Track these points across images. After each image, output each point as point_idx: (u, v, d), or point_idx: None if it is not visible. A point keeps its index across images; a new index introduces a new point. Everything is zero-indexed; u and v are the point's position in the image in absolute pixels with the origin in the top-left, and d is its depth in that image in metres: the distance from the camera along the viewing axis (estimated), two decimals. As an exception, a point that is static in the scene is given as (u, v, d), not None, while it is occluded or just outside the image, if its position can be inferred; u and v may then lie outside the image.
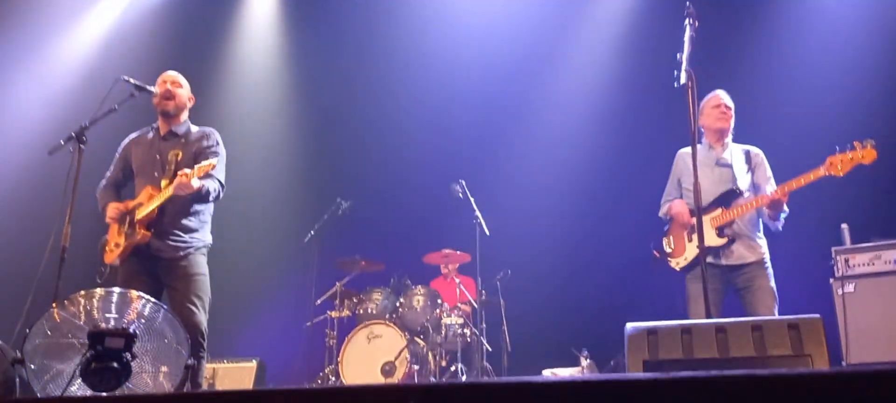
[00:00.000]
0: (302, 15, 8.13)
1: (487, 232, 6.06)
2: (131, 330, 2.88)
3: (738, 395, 1.16)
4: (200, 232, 4.06)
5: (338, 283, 6.44)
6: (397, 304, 6.16)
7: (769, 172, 4.23)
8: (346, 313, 6.32)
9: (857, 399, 1.13)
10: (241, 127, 7.50)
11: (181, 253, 3.94)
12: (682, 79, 3.43)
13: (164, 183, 3.91)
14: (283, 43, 8.18)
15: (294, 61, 8.14)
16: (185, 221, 3.98)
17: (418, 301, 6.10)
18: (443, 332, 6.00)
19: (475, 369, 5.96)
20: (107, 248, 4.00)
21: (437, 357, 6.10)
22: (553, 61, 7.56)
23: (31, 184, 6.31)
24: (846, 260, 4.91)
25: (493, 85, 7.48)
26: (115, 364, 2.79)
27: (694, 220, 4.14)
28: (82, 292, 3.14)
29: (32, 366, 2.95)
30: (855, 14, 6.35)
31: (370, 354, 5.70)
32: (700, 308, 3.98)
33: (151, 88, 4.08)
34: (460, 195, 6.20)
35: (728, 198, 4.08)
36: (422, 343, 5.93)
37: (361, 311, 6.17)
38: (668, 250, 4.29)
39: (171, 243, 3.93)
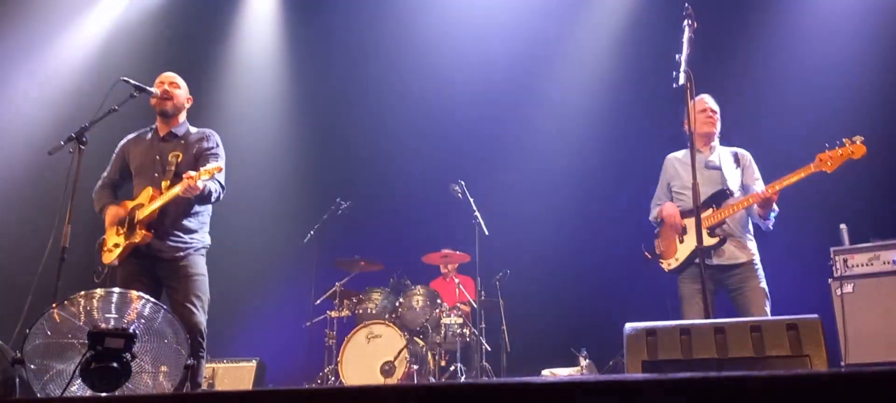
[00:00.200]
0: (302, 15, 8.13)
1: (487, 233, 6.06)
2: (131, 331, 2.88)
3: (736, 396, 1.16)
4: (200, 233, 4.07)
5: (337, 283, 6.45)
6: (397, 304, 6.17)
7: (757, 173, 4.26)
8: (345, 313, 6.32)
9: (856, 401, 1.14)
10: (240, 127, 7.51)
11: (181, 254, 3.95)
12: (681, 80, 3.45)
13: (164, 184, 3.92)
14: (282, 43, 8.18)
15: (294, 62, 8.14)
16: (185, 222, 3.99)
17: (417, 301, 6.11)
18: (442, 332, 6.00)
19: (474, 369, 5.96)
20: (104, 249, 3.99)
21: (437, 357, 6.11)
22: (552, 63, 7.57)
23: (31, 185, 6.31)
24: (845, 261, 4.91)
25: (493, 86, 7.48)
26: (115, 365, 2.79)
27: (685, 222, 4.17)
28: (82, 292, 3.14)
29: (32, 366, 2.96)
30: (850, 15, 6.35)
31: (369, 354, 5.70)
32: (693, 308, 4.00)
33: (151, 89, 4.09)
34: (459, 195, 6.20)
35: (719, 198, 4.10)
36: (421, 343, 5.93)
37: (361, 311, 6.17)
38: (659, 252, 4.31)
39: (170, 244, 3.93)
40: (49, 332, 3.01)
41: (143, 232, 3.84)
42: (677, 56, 3.49)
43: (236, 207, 6.43)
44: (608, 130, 7.05)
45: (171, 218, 3.94)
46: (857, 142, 3.74)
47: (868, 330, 4.69)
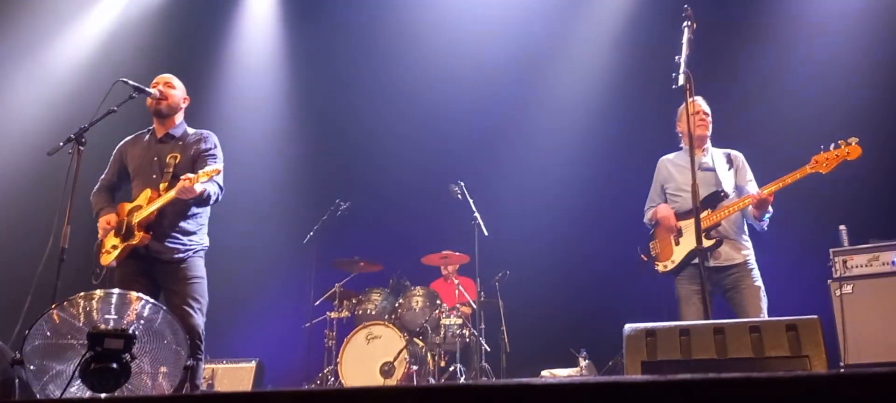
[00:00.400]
0: (300, 16, 8.13)
1: (486, 233, 6.06)
2: (130, 332, 2.88)
3: (736, 397, 1.16)
4: (198, 235, 4.06)
5: (337, 284, 6.44)
6: (396, 305, 6.17)
7: (750, 174, 4.28)
8: (344, 314, 6.32)
9: (856, 402, 1.14)
10: (240, 127, 7.51)
11: (179, 256, 3.94)
12: (681, 81, 3.45)
13: (162, 185, 3.91)
14: (281, 44, 8.18)
15: (293, 62, 8.14)
16: (183, 224, 3.98)
17: (417, 301, 6.11)
18: (441, 333, 6.00)
19: (474, 370, 5.96)
20: (103, 250, 3.99)
21: (436, 358, 6.11)
22: (551, 63, 7.57)
23: (31, 186, 6.31)
24: (844, 262, 4.92)
25: (492, 86, 7.48)
26: (115, 365, 2.79)
27: (680, 224, 4.17)
28: (81, 293, 3.14)
29: (32, 367, 2.96)
30: (846, 15, 6.36)
31: (369, 355, 5.70)
32: (690, 309, 4.01)
33: (150, 90, 4.08)
34: (459, 196, 6.20)
35: (714, 199, 4.11)
36: (420, 343, 5.93)
37: (360, 312, 6.17)
38: (654, 254, 4.32)
39: (169, 245, 3.93)
40: (48, 333, 3.01)
41: (141, 234, 3.84)
42: (677, 57, 3.50)
43: (236, 208, 6.43)
44: (608, 131, 7.05)
45: (169, 219, 3.94)
46: (853, 144, 3.77)
47: (867, 331, 4.70)
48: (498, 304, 6.35)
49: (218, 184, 4.04)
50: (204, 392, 4.38)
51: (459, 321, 6.02)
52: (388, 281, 6.56)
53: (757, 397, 1.17)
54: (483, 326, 6.16)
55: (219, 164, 3.91)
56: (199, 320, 3.86)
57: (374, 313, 6.13)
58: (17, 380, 3.03)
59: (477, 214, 6.09)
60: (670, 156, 4.45)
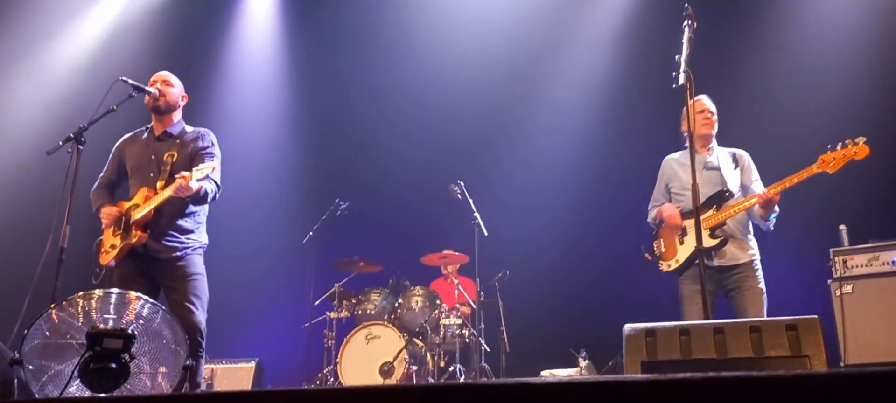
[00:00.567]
0: (300, 16, 8.13)
1: (486, 233, 6.06)
2: (130, 331, 2.87)
3: (736, 397, 1.16)
4: (196, 233, 4.05)
5: (336, 284, 6.44)
6: (396, 305, 6.17)
7: (756, 173, 4.26)
8: (344, 314, 6.32)
9: (856, 402, 1.14)
10: (239, 127, 7.50)
11: (178, 254, 3.93)
12: (681, 80, 3.45)
13: (159, 184, 3.90)
14: (281, 43, 8.18)
15: (292, 62, 8.14)
16: (181, 222, 3.98)
17: (417, 301, 6.10)
18: (441, 333, 6.00)
19: (473, 370, 5.96)
20: (102, 250, 3.99)
21: (436, 358, 6.11)
22: (551, 62, 7.57)
23: (30, 185, 6.31)
24: (844, 262, 4.91)
25: (492, 86, 7.48)
26: (114, 365, 2.78)
27: (685, 223, 4.16)
28: (80, 293, 3.14)
29: (31, 367, 2.95)
30: (850, 15, 6.36)
31: (369, 355, 5.70)
32: (693, 309, 3.99)
33: (149, 89, 4.08)
34: (459, 196, 6.20)
35: (719, 198, 4.10)
36: (420, 343, 5.93)
37: (360, 312, 6.17)
38: (658, 253, 4.31)
39: (167, 244, 3.92)
40: (47, 333, 3.01)
41: (139, 232, 3.83)
42: (677, 56, 3.49)
43: (235, 207, 6.42)
44: (607, 131, 7.05)
45: (167, 218, 3.93)
46: (860, 143, 3.74)
47: (867, 331, 4.70)
48: (497, 304, 6.34)
49: (215, 182, 4.03)
50: (203, 392, 4.37)
51: (459, 321, 6.02)
52: (387, 280, 6.56)
53: (757, 397, 1.16)
54: (483, 326, 6.16)
55: (213, 162, 3.89)
56: (200, 317, 3.86)
57: (373, 313, 6.12)
58: (15, 380, 3.03)
59: (477, 214, 6.09)
60: (675, 154, 4.44)
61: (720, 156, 4.26)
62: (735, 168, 4.25)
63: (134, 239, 3.82)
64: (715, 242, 4.03)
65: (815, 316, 2.50)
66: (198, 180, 3.76)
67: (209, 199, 4.03)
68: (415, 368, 5.70)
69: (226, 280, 5.94)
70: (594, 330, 6.26)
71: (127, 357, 2.82)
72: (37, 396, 2.96)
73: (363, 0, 7.92)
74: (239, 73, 8.03)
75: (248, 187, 7.26)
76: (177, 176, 3.73)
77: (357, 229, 7.18)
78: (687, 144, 4.28)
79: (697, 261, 3.94)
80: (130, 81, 4.02)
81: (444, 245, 6.49)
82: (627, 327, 2.64)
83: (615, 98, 7.08)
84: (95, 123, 3.88)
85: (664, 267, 4.25)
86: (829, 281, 4.96)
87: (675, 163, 4.40)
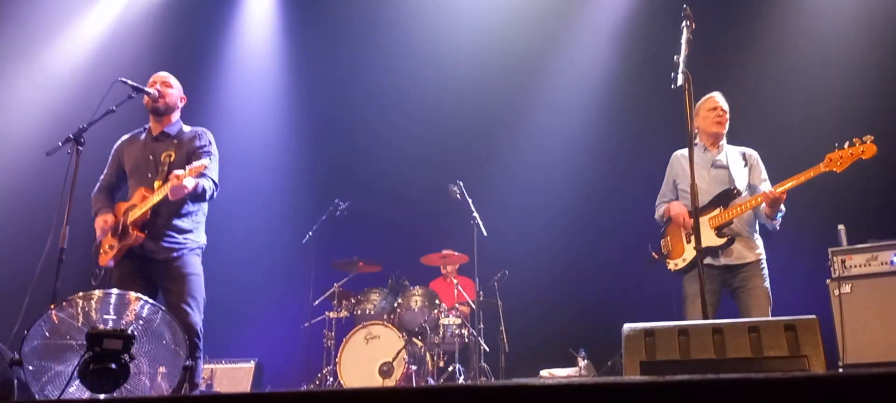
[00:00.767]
0: (300, 15, 8.13)
1: (485, 233, 6.06)
2: (129, 332, 2.88)
3: (734, 398, 1.16)
4: (194, 233, 4.05)
5: (336, 284, 6.44)
6: (395, 305, 6.17)
7: (764, 173, 4.24)
8: (343, 314, 6.32)
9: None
10: (239, 127, 7.50)
11: (175, 255, 3.93)
12: (680, 81, 3.45)
13: (157, 184, 3.90)
14: (280, 43, 8.18)
15: (292, 62, 8.14)
16: (178, 222, 3.97)
17: (416, 301, 6.11)
18: (440, 333, 6.00)
19: (472, 370, 5.96)
20: (101, 251, 3.99)
21: (435, 358, 6.11)
22: (550, 62, 7.57)
23: (29, 186, 6.30)
24: (843, 261, 4.91)
25: (491, 86, 7.48)
26: (113, 366, 2.79)
27: (693, 221, 4.15)
28: (80, 293, 3.14)
29: (30, 368, 2.96)
30: (852, 14, 6.36)
31: (368, 355, 5.70)
32: (696, 308, 3.98)
33: (149, 90, 4.08)
34: (458, 196, 6.20)
35: (726, 197, 4.08)
36: (419, 343, 5.93)
37: (359, 312, 6.17)
38: (666, 252, 4.29)
39: (164, 244, 3.92)
40: (47, 333, 3.01)
41: (136, 232, 3.84)
42: (676, 57, 3.49)
43: (235, 207, 6.42)
44: (606, 131, 7.06)
45: (164, 218, 3.93)
46: (868, 142, 3.69)
47: (866, 331, 4.70)
48: (497, 304, 6.35)
49: (212, 181, 4.03)
50: (203, 393, 4.38)
51: (458, 321, 6.02)
52: (387, 280, 6.56)
53: (755, 398, 1.17)
54: (482, 326, 6.16)
55: (207, 160, 3.88)
56: (197, 318, 3.85)
57: (372, 313, 6.13)
58: (15, 381, 3.03)
59: (476, 214, 6.09)
60: (684, 151, 4.41)
61: (730, 154, 4.25)
62: (744, 166, 4.24)
63: (131, 240, 3.83)
64: (721, 241, 4.02)
65: (814, 317, 2.50)
66: (192, 178, 3.76)
67: (207, 197, 4.03)
68: (414, 368, 5.70)
69: (225, 280, 5.95)
70: (593, 329, 6.27)
71: (127, 357, 2.83)
72: (37, 397, 2.96)
73: (362, 0, 7.92)
74: (238, 73, 8.04)
75: (248, 187, 7.27)
76: (171, 175, 3.73)
77: (356, 229, 7.19)
78: (697, 141, 4.30)
79: (704, 260, 3.95)
80: (130, 82, 4.02)
81: (443, 245, 6.49)
82: (626, 327, 2.64)
83: (615, 98, 7.09)
84: (95, 124, 3.88)
85: (671, 265, 4.23)
86: (827, 280, 4.96)
87: (684, 159, 4.37)
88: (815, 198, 5.17)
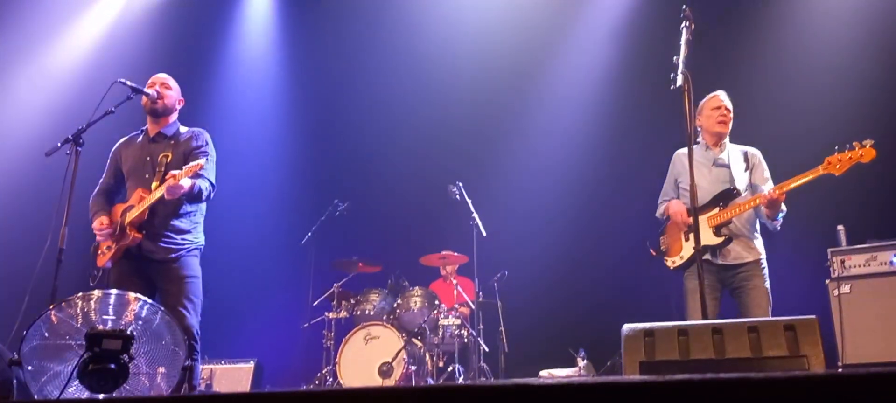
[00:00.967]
0: (299, 16, 8.13)
1: (484, 234, 6.06)
2: (129, 332, 2.88)
3: (734, 398, 1.16)
4: (192, 234, 4.05)
5: (335, 284, 6.44)
6: (395, 305, 6.17)
7: (767, 173, 4.24)
8: (343, 314, 6.32)
9: None
10: (238, 127, 7.51)
11: (173, 256, 3.93)
12: (679, 81, 3.44)
13: (154, 184, 3.90)
14: (280, 44, 8.18)
15: (291, 62, 8.14)
16: (176, 223, 3.97)
17: (415, 302, 6.10)
18: (440, 333, 6.00)
19: (472, 370, 5.96)
20: (99, 251, 3.99)
21: (435, 359, 6.11)
22: (549, 63, 7.57)
23: (28, 187, 6.30)
24: (842, 262, 4.91)
25: (490, 87, 7.48)
26: (113, 366, 2.79)
27: (691, 220, 4.15)
28: (79, 294, 3.14)
29: (30, 368, 2.95)
30: (852, 15, 6.36)
31: (367, 355, 5.70)
32: (697, 303, 3.98)
33: (148, 91, 4.08)
34: (457, 197, 6.21)
35: (726, 197, 4.08)
36: (419, 344, 5.93)
37: (359, 312, 6.17)
38: (664, 249, 4.30)
39: (162, 245, 3.92)
40: (46, 334, 3.01)
41: (134, 233, 3.84)
42: (675, 58, 3.49)
43: (234, 208, 6.42)
44: (606, 132, 7.05)
45: (161, 218, 3.93)
46: (867, 146, 3.69)
47: (865, 331, 4.70)
48: (496, 304, 6.35)
49: (209, 181, 4.02)
50: (202, 393, 4.38)
51: (458, 321, 6.02)
52: (386, 281, 6.56)
53: (755, 397, 1.17)
54: (481, 326, 6.16)
55: (203, 159, 3.87)
56: (193, 321, 3.84)
57: (372, 313, 6.12)
58: (14, 381, 3.03)
59: (475, 215, 6.09)
60: (686, 149, 4.42)
61: (732, 153, 4.25)
62: (746, 166, 4.24)
63: (129, 240, 3.83)
64: (719, 240, 4.02)
65: (813, 317, 2.50)
66: (188, 178, 3.76)
67: (203, 198, 4.02)
68: (413, 368, 5.70)
69: (225, 280, 5.96)
70: (593, 330, 6.26)
71: (126, 358, 2.83)
72: (36, 397, 2.96)
73: (361, 1, 7.92)
74: (238, 74, 8.04)
75: (247, 187, 7.27)
76: (167, 175, 3.73)
77: (356, 229, 7.19)
78: (700, 139, 4.31)
79: (703, 257, 3.95)
80: (129, 83, 4.02)
81: (442, 245, 6.49)
82: (626, 327, 2.64)
83: (614, 99, 7.09)
84: (94, 125, 3.88)
85: (669, 263, 4.25)
86: (827, 281, 4.96)
87: (686, 157, 4.37)
88: (814, 199, 5.17)
